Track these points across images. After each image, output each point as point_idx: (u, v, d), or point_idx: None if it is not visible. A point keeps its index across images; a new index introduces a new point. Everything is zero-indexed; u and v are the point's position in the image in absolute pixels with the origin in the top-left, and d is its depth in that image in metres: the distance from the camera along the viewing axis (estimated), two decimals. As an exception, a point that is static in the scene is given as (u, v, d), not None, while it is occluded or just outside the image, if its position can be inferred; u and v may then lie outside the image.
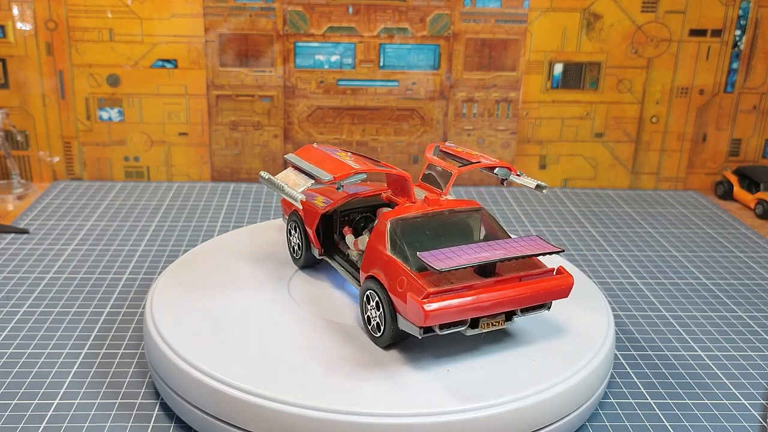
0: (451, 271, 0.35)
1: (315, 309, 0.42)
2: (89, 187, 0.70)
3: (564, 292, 0.38)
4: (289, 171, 0.41)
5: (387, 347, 0.38)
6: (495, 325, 0.37)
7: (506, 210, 0.69)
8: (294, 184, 0.39)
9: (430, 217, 0.39)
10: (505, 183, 0.44)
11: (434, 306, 0.34)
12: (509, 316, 0.37)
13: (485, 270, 0.37)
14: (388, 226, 0.38)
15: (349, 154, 0.42)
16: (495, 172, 0.43)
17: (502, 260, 0.36)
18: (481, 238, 0.41)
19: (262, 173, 0.41)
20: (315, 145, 0.44)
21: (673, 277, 0.55)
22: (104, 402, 0.39)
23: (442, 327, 0.35)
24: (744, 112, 0.76)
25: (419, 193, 0.43)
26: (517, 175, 0.44)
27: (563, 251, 0.37)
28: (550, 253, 0.37)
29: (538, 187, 0.43)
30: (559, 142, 0.75)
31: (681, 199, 0.73)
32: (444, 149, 0.46)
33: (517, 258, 0.36)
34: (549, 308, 0.38)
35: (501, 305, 0.36)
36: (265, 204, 0.68)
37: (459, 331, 0.36)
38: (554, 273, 0.38)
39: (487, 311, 0.36)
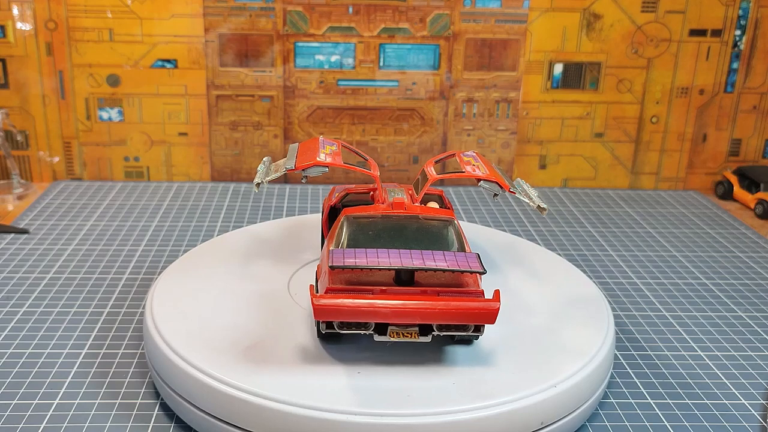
0: (366, 271, 0.34)
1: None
2: (89, 187, 0.70)
3: (486, 317, 0.34)
4: (281, 159, 0.42)
5: (323, 340, 0.38)
6: (407, 337, 0.35)
7: (506, 210, 0.69)
8: (276, 170, 0.41)
9: (388, 219, 0.38)
10: (495, 198, 0.42)
11: (323, 302, 0.34)
12: (426, 331, 0.35)
13: (403, 278, 0.35)
14: (341, 221, 0.38)
15: (335, 147, 0.43)
16: (480, 185, 0.41)
17: (403, 268, 0.34)
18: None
19: (265, 158, 0.43)
20: (321, 137, 0.45)
21: (673, 277, 0.55)
22: (104, 402, 0.39)
23: (342, 326, 0.35)
24: (744, 112, 0.76)
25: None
26: (511, 192, 0.42)
27: (485, 273, 0.35)
28: (471, 272, 0.34)
29: (539, 208, 0.41)
30: (559, 142, 0.75)
31: (681, 199, 0.73)
32: (457, 157, 0.45)
33: (427, 270, 0.34)
34: (480, 332, 0.35)
35: (404, 315, 0.34)
36: (265, 204, 0.68)
37: (368, 336, 0.35)
38: (483, 296, 0.35)
39: (388, 318, 0.34)
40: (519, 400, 0.35)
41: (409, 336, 0.35)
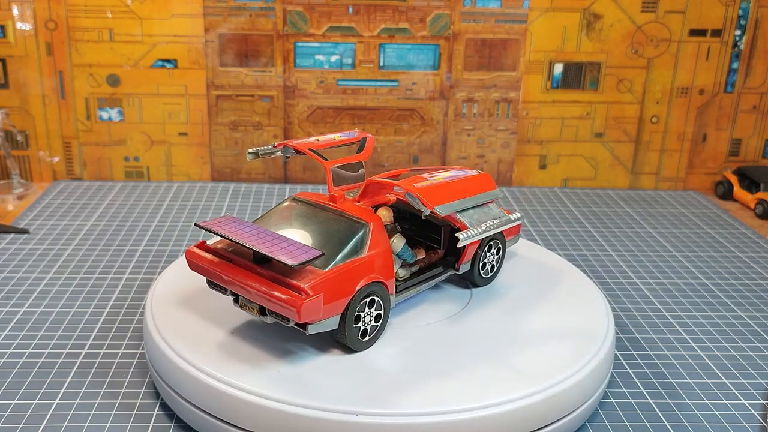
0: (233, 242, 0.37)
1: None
2: (89, 187, 0.70)
3: (289, 311, 0.34)
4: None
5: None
6: (250, 311, 0.37)
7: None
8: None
9: (314, 208, 0.41)
10: (422, 217, 0.40)
11: (189, 251, 0.39)
12: (264, 311, 0.36)
13: (256, 257, 0.37)
14: (285, 198, 0.41)
15: (337, 137, 0.45)
16: (406, 197, 0.38)
17: (242, 244, 0.36)
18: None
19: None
20: (356, 129, 0.47)
21: (673, 277, 0.55)
22: (104, 402, 0.39)
23: (210, 284, 0.39)
24: (744, 112, 0.76)
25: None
26: (435, 213, 0.38)
27: (291, 267, 0.34)
28: (285, 264, 0.34)
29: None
30: (559, 142, 0.75)
31: (681, 199, 0.73)
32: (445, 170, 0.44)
33: (255, 251, 0.36)
34: (305, 330, 0.36)
35: (231, 285, 0.37)
36: (265, 204, 0.68)
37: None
38: (305, 293, 0.34)
39: (225, 285, 0.37)
40: (518, 400, 0.35)
41: (252, 311, 0.37)
